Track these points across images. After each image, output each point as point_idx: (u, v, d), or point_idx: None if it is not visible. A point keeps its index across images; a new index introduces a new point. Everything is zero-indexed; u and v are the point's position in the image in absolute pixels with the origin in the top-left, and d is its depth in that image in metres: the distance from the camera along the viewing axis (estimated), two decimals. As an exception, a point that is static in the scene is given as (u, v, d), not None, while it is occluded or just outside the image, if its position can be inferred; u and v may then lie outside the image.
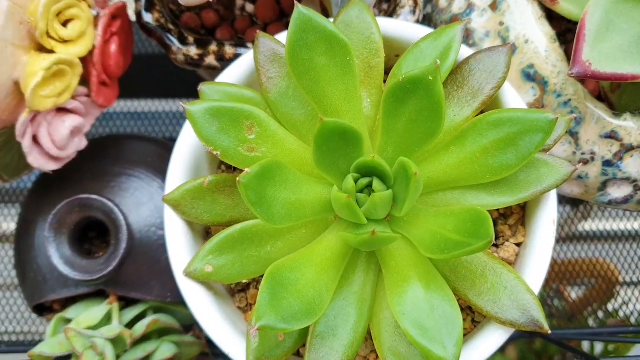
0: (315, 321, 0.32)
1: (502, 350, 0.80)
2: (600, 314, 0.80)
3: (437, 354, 0.30)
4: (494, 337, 0.34)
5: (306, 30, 0.34)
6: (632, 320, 0.77)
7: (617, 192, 0.42)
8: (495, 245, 0.38)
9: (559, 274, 0.79)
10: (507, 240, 0.37)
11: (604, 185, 0.42)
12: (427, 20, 0.51)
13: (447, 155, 0.34)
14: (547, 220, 0.35)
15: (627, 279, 0.79)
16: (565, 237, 0.80)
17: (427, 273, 0.33)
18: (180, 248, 0.36)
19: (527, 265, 0.35)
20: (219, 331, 0.35)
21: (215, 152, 0.33)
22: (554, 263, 0.78)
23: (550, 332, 0.32)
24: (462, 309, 0.37)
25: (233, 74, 0.39)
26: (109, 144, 0.48)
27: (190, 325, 0.49)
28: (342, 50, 0.35)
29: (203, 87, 0.37)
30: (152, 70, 0.67)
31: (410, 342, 0.32)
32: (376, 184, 0.33)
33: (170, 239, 0.36)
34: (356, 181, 0.33)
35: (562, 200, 0.79)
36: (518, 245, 0.37)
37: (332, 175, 0.33)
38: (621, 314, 0.79)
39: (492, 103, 0.37)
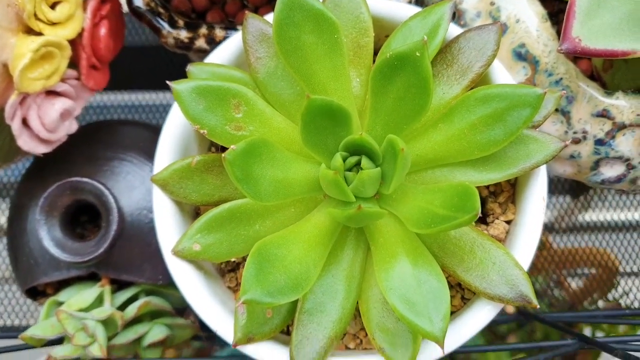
0: (301, 296, 0.32)
1: (502, 338, 0.80)
2: (601, 304, 0.80)
3: (424, 328, 0.30)
4: (482, 313, 0.34)
5: (293, 9, 0.34)
6: None
7: (610, 171, 0.42)
8: (485, 223, 0.38)
9: (559, 264, 0.79)
10: (497, 218, 0.37)
11: (596, 165, 0.42)
12: (419, 2, 0.51)
13: (436, 132, 0.34)
14: (536, 197, 0.35)
15: (628, 269, 0.78)
16: (565, 228, 0.80)
17: (414, 249, 0.33)
18: (168, 227, 0.36)
19: (517, 242, 0.35)
20: (208, 309, 0.35)
21: (202, 131, 0.33)
22: (553, 253, 0.78)
23: (538, 306, 0.32)
24: (451, 287, 0.37)
25: (221, 54, 0.39)
26: (102, 129, 0.48)
27: (183, 309, 0.49)
28: (330, 29, 0.35)
29: (191, 68, 0.37)
30: (145, 61, 0.67)
31: (398, 317, 0.33)
32: (364, 162, 0.33)
33: (159, 219, 0.36)
34: (344, 160, 0.33)
35: (562, 190, 0.79)
36: (508, 222, 0.37)
37: (320, 153, 0.33)
38: (622, 303, 0.79)
39: (482, 81, 0.37)
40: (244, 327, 0.34)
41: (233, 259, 0.39)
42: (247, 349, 0.34)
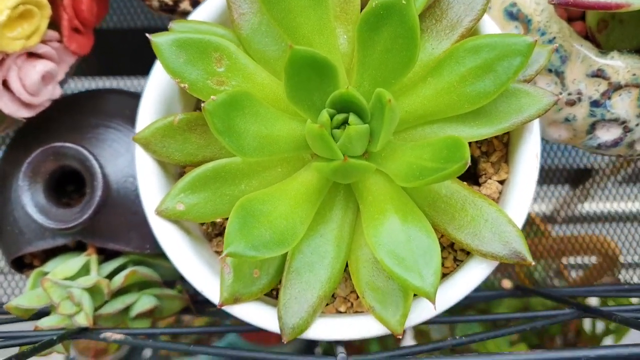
0: (288, 252, 0.32)
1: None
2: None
3: (414, 284, 0.29)
4: (476, 271, 0.33)
5: (274, -39, 0.33)
6: (634, 300, 0.76)
7: (606, 134, 0.41)
8: (478, 184, 0.37)
9: (558, 252, 0.78)
10: (490, 178, 0.36)
11: (592, 128, 0.41)
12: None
13: (424, 87, 0.33)
14: (529, 154, 0.34)
15: (629, 260, 0.77)
16: (564, 219, 0.79)
17: (404, 206, 0.32)
18: (151, 187, 0.35)
19: (510, 200, 0.34)
20: (193, 269, 0.34)
21: (182, 85, 0.32)
22: (552, 241, 0.77)
23: (533, 263, 0.31)
24: (443, 248, 0.36)
25: (204, 12, 0.38)
26: (86, 97, 0.47)
27: (172, 281, 0.48)
28: (314, -20, 0.34)
29: (173, 25, 0.36)
30: (132, 45, 0.65)
31: (387, 273, 0.32)
32: (352, 119, 0.32)
33: (141, 179, 0.35)
34: (332, 117, 0.32)
35: (561, 180, 0.78)
36: (501, 182, 0.36)
37: (305, 110, 0.32)
38: (622, 295, 0.78)
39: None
40: (230, 286, 0.33)
41: (220, 222, 0.38)
42: (234, 310, 0.33)
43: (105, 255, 0.44)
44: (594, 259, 0.78)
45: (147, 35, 0.33)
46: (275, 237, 0.30)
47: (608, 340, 0.85)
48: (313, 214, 0.32)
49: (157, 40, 0.32)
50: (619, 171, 0.77)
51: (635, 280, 0.74)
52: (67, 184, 0.45)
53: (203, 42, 0.33)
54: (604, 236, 0.76)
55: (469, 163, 0.27)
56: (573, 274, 0.81)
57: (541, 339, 0.89)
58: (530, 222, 0.82)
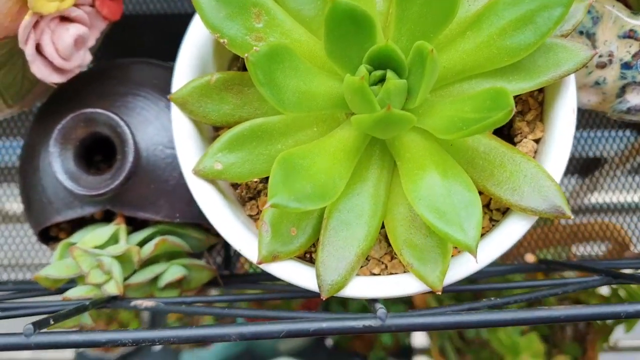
0: (327, 205, 0.31)
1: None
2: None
3: (456, 237, 0.29)
4: (515, 227, 0.33)
5: None
6: None
7: (636, 98, 0.41)
8: (513, 143, 0.37)
9: (568, 240, 0.78)
10: (525, 137, 0.36)
11: (622, 91, 0.41)
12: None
13: (463, 41, 0.33)
14: (566, 110, 0.34)
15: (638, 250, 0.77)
16: (573, 208, 0.79)
17: (443, 162, 0.32)
18: (188, 147, 0.35)
19: (548, 156, 0.34)
20: (231, 228, 0.34)
21: (222, 40, 0.32)
22: (562, 228, 0.77)
23: (572, 216, 0.31)
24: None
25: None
26: (115, 67, 0.47)
27: (200, 253, 0.48)
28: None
29: None
30: (153, 31, 0.65)
31: (428, 227, 0.32)
32: (390, 75, 0.32)
33: (178, 139, 0.35)
34: (370, 73, 0.32)
35: (570, 170, 0.78)
36: (536, 142, 0.36)
37: (344, 66, 0.32)
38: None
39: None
40: (268, 244, 0.33)
41: (254, 185, 0.38)
42: (272, 268, 0.33)
43: (134, 226, 0.44)
44: (604, 247, 0.78)
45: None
46: (316, 190, 0.30)
47: (619, 330, 0.85)
48: (351, 170, 0.32)
49: (198, -5, 0.32)
50: (629, 160, 0.77)
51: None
52: (96, 154, 0.45)
53: (242, -2, 0.33)
54: (613, 223, 0.76)
55: (515, 110, 0.27)
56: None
57: (551, 328, 0.89)
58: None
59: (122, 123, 0.40)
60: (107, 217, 0.46)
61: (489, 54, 0.32)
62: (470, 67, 0.33)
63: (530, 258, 0.51)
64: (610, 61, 0.40)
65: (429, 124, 0.32)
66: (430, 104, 0.33)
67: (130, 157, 0.40)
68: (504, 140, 0.37)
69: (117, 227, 0.42)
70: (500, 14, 0.32)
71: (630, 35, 0.39)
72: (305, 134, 0.35)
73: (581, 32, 0.40)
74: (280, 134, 0.34)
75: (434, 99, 0.34)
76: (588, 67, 0.40)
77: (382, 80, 0.32)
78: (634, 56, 0.39)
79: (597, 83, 0.41)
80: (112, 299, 0.41)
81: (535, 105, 0.36)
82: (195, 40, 0.36)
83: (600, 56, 0.40)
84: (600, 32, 0.39)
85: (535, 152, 0.36)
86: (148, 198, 0.42)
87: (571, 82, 0.34)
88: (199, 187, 0.34)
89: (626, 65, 0.39)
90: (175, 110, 0.35)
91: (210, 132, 0.38)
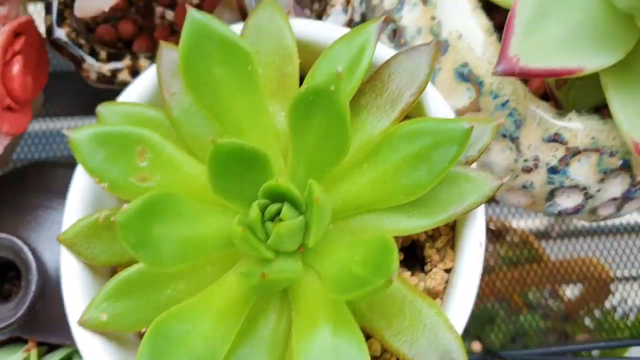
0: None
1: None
2: (597, 313, 0.77)
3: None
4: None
5: (201, 37, 0.31)
6: (632, 317, 0.74)
7: (567, 201, 0.39)
8: (424, 272, 0.34)
9: (549, 277, 0.77)
10: (435, 266, 0.33)
11: (551, 195, 0.38)
12: (364, 20, 0.47)
13: (360, 174, 0.30)
14: (472, 243, 0.31)
15: (625, 273, 0.76)
16: (559, 233, 0.77)
17: (337, 314, 0.28)
18: (76, 294, 0.32)
19: (453, 297, 0.31)
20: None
21: (102, 185, 0.30)
22: (544, 265, 0.75)
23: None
24: (384, 351, 0.33)
25: (136, 91, 0.35)
26: (31, 173, 0.45)
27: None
28: (243, 59, 0.31)
29: (101, 109, 0.34)
30: (77, 87, 0.62)
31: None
32: (286, 210, 0.29)
33: (66, 284, 0.32)
34: (264, 209, 0.30)
35: None
36: (447, 271, 0.33)
37: (235, 202, 0.30)
38: (620, 310, 0.76)
39: (416, 110, 0.34)
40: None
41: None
42: None
43: (49, 346, 0.42)
44: (586, 283, 0.76)
45: (64, 131, 0.30)
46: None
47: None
48: (238, 327, 0.29)
49: (75, 136, 0.30)
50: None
51: (632, 295, 0.73)
52: (9, 270, 0.43)
53: (123, 135, 0.31)
54: (597, 259, 0.75)
55: (394, 279, 0.25)
56: (568, 292, 0.79)
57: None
58: (524, 242, 0.80)
59: (25, 249, 0.38)
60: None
61: (386, 191, 0.30)
62: (370, 202, 0.30)
63: (476, 347, 0.48)
64: (536, 165, 0.37)
65: (324, 270, 0.29)
66: (329, 238, 0.31)
67: (34, 286, 0.38)
68: (417, 265, 0.35)
69: (26, 354, 0.40)
70: (395, 148, 0.29)
71: (555, 139, 0.36)
72: (198, 275, 0.32)
73: (504, 135, 0.37)
74: (170, 278, 0.31)
75: (334, 232, 0.31)
76: (514, 170, 0.37)
77: (280, 212, 0.30)
78: (560, 161, 0.37)
79: (524, 187, 0.38)
80: None
81: (446, 231, 0.34)
82: (86, 175, 0.34)
83: (525, 160, 0.37)
84: (524, 135, 0.37)
85: (447, 282, 0.33)
86: (59, 322, 0.40)
87: (479, 213, 0.31)
88: (85, 341, 0.31)
89: (553, 170, 0.37)
90: (64, 252, 0.33)
91: (109, 270, 0.36)
